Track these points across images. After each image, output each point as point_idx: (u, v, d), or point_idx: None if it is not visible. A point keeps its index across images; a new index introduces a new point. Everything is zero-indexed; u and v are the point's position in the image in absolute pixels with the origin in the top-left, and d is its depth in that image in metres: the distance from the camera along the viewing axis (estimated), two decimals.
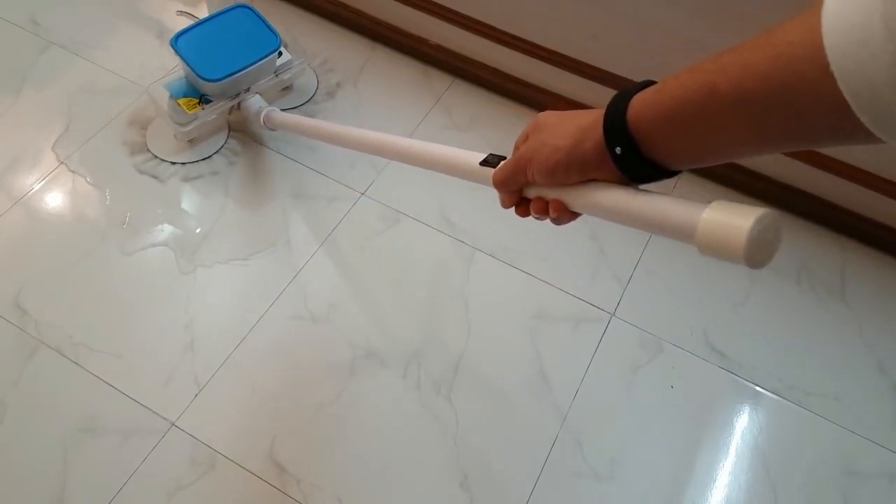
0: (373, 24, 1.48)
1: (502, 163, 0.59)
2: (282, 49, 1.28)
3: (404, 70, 1.47)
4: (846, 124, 0.33)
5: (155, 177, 1.27)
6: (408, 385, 1.08)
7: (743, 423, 1.08)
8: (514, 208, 0.57)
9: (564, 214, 0.53)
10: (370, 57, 1.49)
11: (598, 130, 0.46)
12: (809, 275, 1.23)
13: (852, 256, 1.25)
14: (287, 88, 1.40)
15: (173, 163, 1.29)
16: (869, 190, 1.17)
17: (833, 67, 0.32)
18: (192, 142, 1.30)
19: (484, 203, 1.28)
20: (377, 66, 1.48)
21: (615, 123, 0.45)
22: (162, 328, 1.10)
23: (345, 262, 1.21)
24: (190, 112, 1.23)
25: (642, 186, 0.48)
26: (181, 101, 1.24)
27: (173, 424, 1.02)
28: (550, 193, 0.53)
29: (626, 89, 0.46)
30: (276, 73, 1.32)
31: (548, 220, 0.55)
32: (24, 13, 1.49)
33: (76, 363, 1.06)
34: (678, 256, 1.23)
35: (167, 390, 1.05)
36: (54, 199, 1.24)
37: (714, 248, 0.41)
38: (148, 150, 1.30)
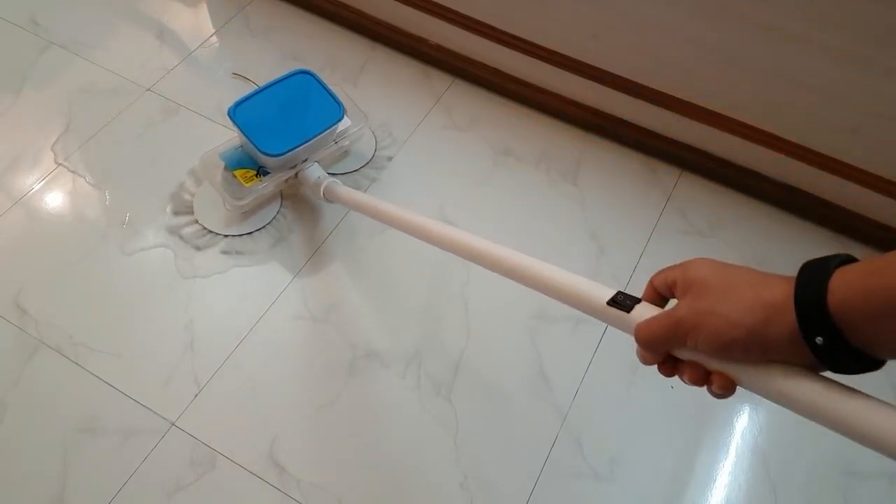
0: (373, 24, 1.48)
1: (642, 312, 0.51)
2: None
3: (404, 70, 1.47)
4: None
5: (198, 247, 1.20)
6: (408, 385, 1.08)
7: (743, 423, 1.08)
8: (656, 366, 0.50)
9: (730, 390, 0.46)
10: (370, 57, 1.49)
11: (790, 314, 0.39)
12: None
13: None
14: (345, 153, 1.32)
15: (225, 235, 1.21)
16: (869, 190, 1.17)
17: None
18: (244, 214, 1.23)
19: (484, 203, 1.28)
20: (377, 66, 1.48)
21: (814, 310, 0.38)
22: (162, 328, 1.10)
23: (345, 262, 1.20)
24: (247, 185, 1.16)
25: (841, 376, 0.41)
26: (237, 172, 1.17)
27: (173, 424, 1.02)
28: (715, 365, 0.45)
29: (816, 262, 0.39)
30: (336, 140, 1.24)
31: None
32: (24, 13, 1.49)
33: (76, 363, 1.06)
34: (678, 256, 1.22)
35: (167, 390, 1.05)
36: (54, 200, 1.24)
37: None
38: (196, 222, 1.21)
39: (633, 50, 1.21)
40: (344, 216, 1.25)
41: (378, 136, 1.36)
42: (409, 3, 1.39)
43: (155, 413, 1.02)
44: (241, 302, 1.14)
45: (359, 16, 1.48)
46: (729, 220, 1.28)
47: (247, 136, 1.13)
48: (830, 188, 1.21)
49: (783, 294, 0.39)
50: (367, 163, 1.32)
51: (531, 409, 1.07)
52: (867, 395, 0.40)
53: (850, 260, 0.39)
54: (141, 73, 1.41)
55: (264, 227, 1.22)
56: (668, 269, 0.50)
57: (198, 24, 1.52)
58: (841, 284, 0.37)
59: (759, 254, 1.23)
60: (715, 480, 1.02)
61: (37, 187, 1.25)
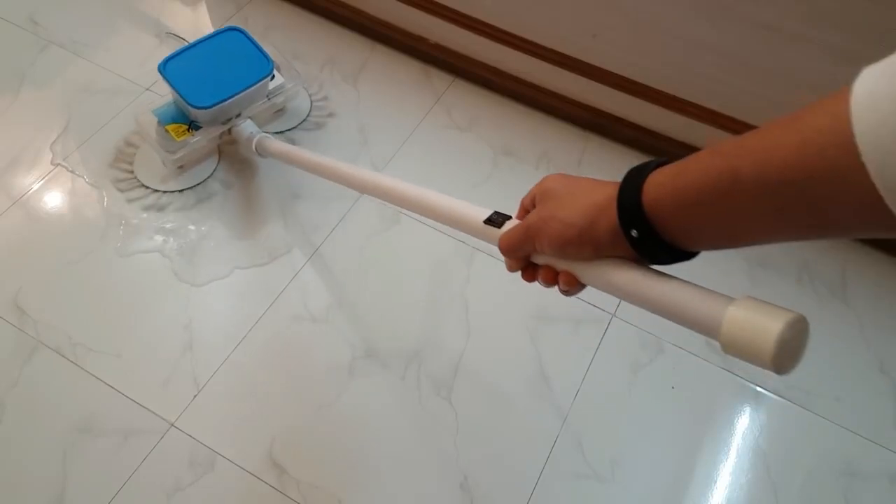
0: (373, 23, 1.48)
1: (509, 227, 0.57)
2: (274, 73, 1.25)
3: (404, 69, 1.47)
4: (879, 216, 0.31)
5: (145, 207, 1.23)
6: (407, 385, 1.08)
7: (744, 423, 1.08)
8: (520, 273, 0.56)
9: (574, 286, 0.51)
10: (370, 57, 1.49)
11: (613, 211, 0.44)
12: (810, 274, 1.23)
13: (853, 256, 1.25)
14: (279, 111, 1.36)
15: (163, 191, 1.24)
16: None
17: (864, 158, 0.30)
18: (181, 168, 1.26)
19: (484, 203, 1.28)
20: (377, 65, 1.47)
21: (630, 207, 0.43)
22: (161, 328, 1.10)
23: (344, 262, 1.20)
24: (178, 139, 1.20)
25: (660, 267, 0.47)
26: (170, 127, 1.20)
27: (172, 425, 1.01)
28: (561, 265, 0.51)
29: (638, 168, 0.44)
30: (269, 96, 1.27)
31: (555, 289, 0.53)
32: (24, 13, 1.49)
33: (75, 363, 1.06)
34: None
35: (166, 391, 1.04)
36: (53, 199, 1.24)
37: (738, 350, 0.39)
38: (135, 178, 1.26)
39: (633, 49, 1.21)
40: (343, 217, 1.25)
41: (313, 97, 1.41)
42: (409, 3, 1.38)
43: (154, 413, 1.02)
44: (240, 302, 1.14)
45: (358, 15, 1.48)
46: None
47: (176, 91, 1.17)
48: None
49: (609, 196, 0.45)
50: (302, 122, 1.36)
51: (531, 410, 1.07)
52: (680, 280, 0.45)
53: (666, 163, 0.44)
54: (140, 73, 1.41)
55: (198, 185, 1.26)
56: (532, 188, 0.55)
57: (197, 24, 1.52)
58: (652, 184, 0.42)
59: None
60: (715, 481, 1.02)
61: (36, 187, 1.25)
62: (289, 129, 1.36)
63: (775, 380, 1.11)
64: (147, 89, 1.39)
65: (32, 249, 1.18)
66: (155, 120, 1.22)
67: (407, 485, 1.00)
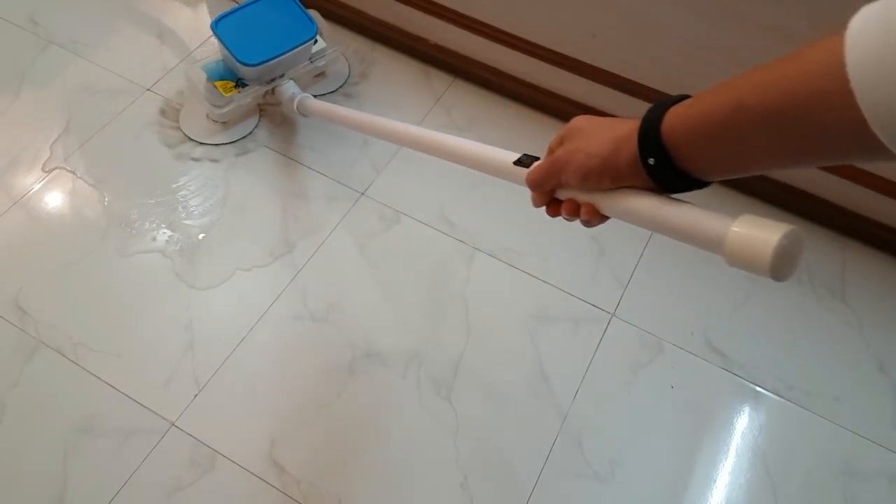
0: (373, 23, 1.48)
1: (536, 163, 0.61)
2: (317, 37, 1.30)
3: (404, 70, 1.47)
4: (866, 141, 0.34)
5: (181, 155, 1.30)
6: (408, 385, 1.08)
7: (743, 423, 1.08)
8: (544, 208, 0.59)
9: (595, 217, 0.54)
10: (370, 57, 1.49)
11: (633, 142, 0.47)
12: (810, 274, 1.23)
13: (852, 256, 1.25)
14: (320, 75, 1.42)
15: (209, 144, 1.31)
16: (869, 190, 1.17)
17: (853, 84, 0.32)
18: (224, 124, 1.33)
19: (484, 203, 1.28)
20: (377, 65, 1.48)
21: (649, 135, 0.46)
22: (162, 328, 1.10)
23: (345, 262, 1.20)
24: (226, 95, 1.26)
25: (674, 196, 0.50)
26: (218, 83, 1.27)
27: (173, 424, 1.02)
28: (583, 197, 0.54)
29: (661, 102, 0.47)
30: (311, 59, 1.34)
31: (577, 222, 0.56)
32: (24, 13, 1.49)
33: (76, 363, 1.06)
34: (678, 256, 1.22)
35: (167, 390, 1.04)
36: (54, 200, 1.24)
37: (741, 260, 0.43)
38: (179, 129, 1.33)
39: (633, 49, 1.21)
40: (343, 217, 1.25)
41: (352, 63, 1.47)
42: (409, 3, 1.38)
43: (155, 413, 1.02)
44: (240, 302, 1.14)
45: (359, 15, 1.48)
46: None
47: (227, 48, 1.22)
48: (840, 194, 1.21)
49: (630, 129, 0.48)
50: (342, 85, 1.43)
51: (531, 409, 1.07)
52: (689, 204, 0.49)
53: (685, 98, 0.46)
54: (141, 73, 1.41)
55: (239, 140, 1.33)
56: (560, 130, 0.58)
57: (197, 24, 1.52)
58: (671, 116, 0.45)
59: None
60: (715, 480, 1.02)
61: (36, 187, 1.25)
62: (329, 93, 1.42)
63: (775, 379, 1.11)
64: (147, 89, 1.39)
65: (33, 249, 1.18)
66: (204, 75, 1.27)
67: (407, 484, 1.00)
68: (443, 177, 1.32)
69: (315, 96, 1.29)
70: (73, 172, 1.27)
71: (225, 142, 1.32)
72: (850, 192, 1.20)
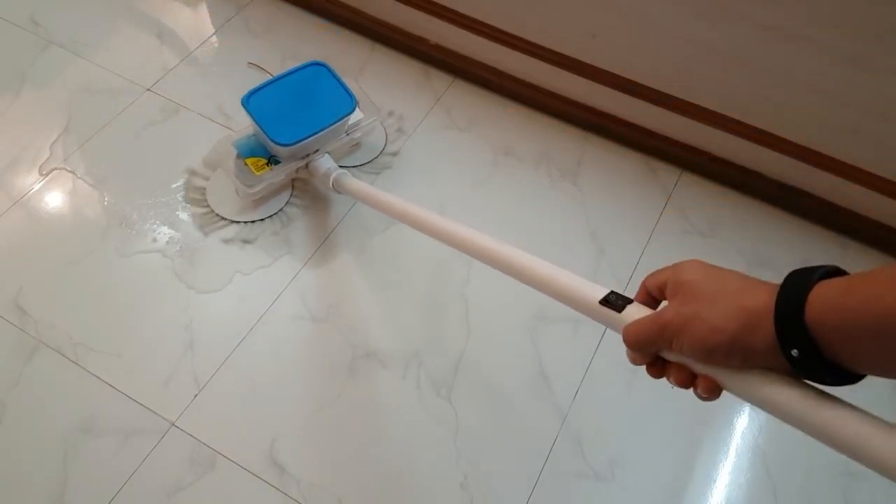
0: (373, 23, 1.48)
1: (632, 313, 0.52)
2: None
3: (404, 70, 1.47)
4: None
5: (225, 239, 1.21)
6: (408, 385, 1.08)
7: (743, 422, 1.08)
8: (645, 367, 0.50)
9: (716, 394, 0.47)
10: (370, 57, 1.49)
11: (769, 322, 0.39)
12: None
13: (852, 255, 1.25)
14: (356, 146, 1.34)
15: (243, 223, 1.22)
16: (871, 191, 1.17)
17: None
18: (255, 201, 1.24)
19: (484, 203, 1.28)
20: (377, 65, 1.48)
21: (792, 322, 0.38)
22: (162, 328, 1.10)
23: (345, 262, 1.20)
24: (258, 174, 1.18)
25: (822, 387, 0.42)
26: (249, 160, 1.19)
27: (173, 424, 1.02)
28: (700, 368, 0.47)
29: (801, 274, 0.39)
30: (347, 132, 1.26)
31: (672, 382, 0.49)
32: (24, 13, 1.49)
33: (76, 363, 1.06)
34: (678, 256, 1.22)
35: (167, 390, 1.04)
36: (54, 200, 1.24)
37: None
38: (212, 211, 1.23)
39: (633, 49, 1.21)
40: (343, 217, 1.25)
41: (388, 131, 1.37)
42: (409, 3, 1.38)
43: (155, 413, 1.02)
44: (241, 302, 1.14)
45: (358, 15, 1.48)
46: (729, 220, 1.27)
47: (259, 125, 1.14)
48: (830, 188, 1.21)
49: (765, 303, 0.40)
50: (378, 156, 1.33)
51: (531, 409, 1.07)
52: (843, 403, 0.40)
53: (835, 272, 0.39)
54: (141, 73, 1.41)
55: (273, 215, 1.24)
56: (660, 271, 0.50)
57: (197, 24, 1.52)
58: (819, 298, 0.37)
59: (759, 253, 1.23)
60: (715, 480, 1.02)
61: (36, 187, 1.25)
62: (365, 163, 1.32)
63: None
64: (148, 90, 1.39)
65: (33, 249, 1.18)
66: (235, 152, 1.20)
67: (407, 484, 1.00)
68: (443, 178, 1.32)
69: (348, 167, 1.22)
70: (73, 172, 1.27)
71: (262, 217, 1.23)
72: (855, 193, 1.20)
